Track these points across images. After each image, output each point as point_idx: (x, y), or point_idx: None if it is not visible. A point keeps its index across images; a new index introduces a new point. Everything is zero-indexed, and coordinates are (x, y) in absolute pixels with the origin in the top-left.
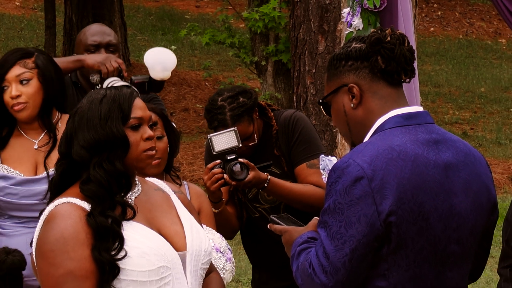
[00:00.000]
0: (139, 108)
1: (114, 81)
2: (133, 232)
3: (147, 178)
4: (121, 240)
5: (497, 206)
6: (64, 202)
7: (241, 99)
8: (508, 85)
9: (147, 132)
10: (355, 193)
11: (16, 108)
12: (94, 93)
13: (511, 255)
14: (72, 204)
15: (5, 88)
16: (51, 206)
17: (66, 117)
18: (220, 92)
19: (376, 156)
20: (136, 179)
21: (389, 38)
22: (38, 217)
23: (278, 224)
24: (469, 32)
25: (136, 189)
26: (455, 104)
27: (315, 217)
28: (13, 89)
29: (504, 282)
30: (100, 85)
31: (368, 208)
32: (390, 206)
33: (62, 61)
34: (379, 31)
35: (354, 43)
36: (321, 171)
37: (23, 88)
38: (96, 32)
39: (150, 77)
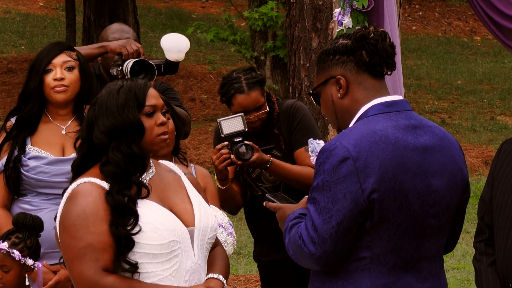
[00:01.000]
0: (152, 97)
1: (132, 60)
2: (147, 210)
3: (160, 161)
4: (136, 216)
5: (469, 185)
6: (85, 182)
7: (254, 73)
8: (482, 78)
9: (161, 118)
10: (341, 172)
11: (58, 89)
12: (112, 84)
13: (485, 230)
14: (93, 183)
15: (50, 70)
16: (73, 185)
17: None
18: (233, 70)
19: (360, 139)
20: (151, 162)
21: (372, 34)
22: (62, 195)
23: (273, 202)
24: (447, 30)
25: (151, 170)
26: (434, 95)
27: (306, 196)
28: (57, 72)
29: (479, 255)
30: (121, 67)
31: (353, 185)
32: (373, 184)
33: (87, 48)
34: (363, 29)
35: (341, 39)
36: (310, 153)
37: (67, 74)
38: (116, 30)
39: (166, 60)
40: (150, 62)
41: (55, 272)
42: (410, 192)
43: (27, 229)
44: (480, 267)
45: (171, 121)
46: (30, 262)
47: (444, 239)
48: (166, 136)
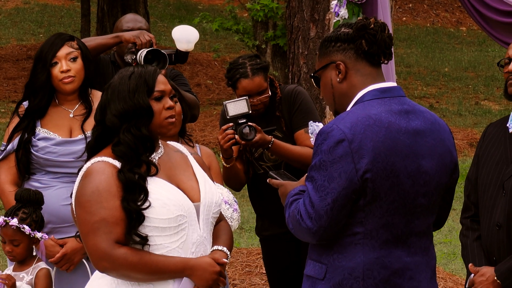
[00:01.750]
0: (161, 82)
1: (145, 50)
2: (156, 186)
3: (168, 142)
4: (146, 193)
5: (458, 167)
6: (99, 161)
7: (258, 60)
8: (467, 66)
9: (168, 102)
10: (337, 153)
11: (66, 80)
12: (124, 70)
13: (471, 207)
14: (106, 162)
15: (56, 64)
16: (88, 164)
17: (95, 92)
18: (239, 56)
19: (355, 123)
20: (160, 143)
21: (372, 25)
22: (77, 174)
23: (276, 179)
24: (435, 21)
25: (160, 151)
26: (423, 82)
27: (306, 174)
28: (63, 65)
29: (466, 230)
30: (135, 56)
31: (348, 165)
32: (367, 164)
33: (103, 38)
34: (364, 19)
35: (343, 28)
36: (310, 134)
37: (71, 64)
38: (130, 19)
39: (177, 50)
40: (162, 51)
41: (61, 246)
42: (401, 172)
43: (32, 204)
44: (466, 242)
45: (178, 104)
46: (39, 235)
47: (433, 217)
48: (174, 119)
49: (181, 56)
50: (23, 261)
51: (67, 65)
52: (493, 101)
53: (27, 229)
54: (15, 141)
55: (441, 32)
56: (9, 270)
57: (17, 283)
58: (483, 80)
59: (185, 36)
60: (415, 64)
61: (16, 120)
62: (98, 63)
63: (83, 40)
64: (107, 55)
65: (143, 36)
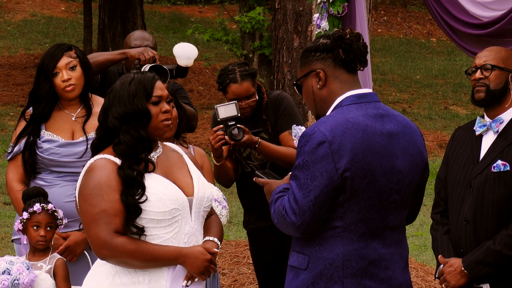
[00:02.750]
0: (159, 88)
1: (149, 65)
2: (153, 182)
3: (165, 143)
4: (143, 187)
5: (428, 166)
6: (101, 158)
7: (247, 67)
8: (437, 74)
9: (165, 106)
10: (319, 154)
11: (67, 89)
12: (125, 76)
13: (441, 204)
14: (107, 159)
15: (57, 74)
16: (91, 161)
17: (95, 97)
18: (229, 64)
19: (335, 126)
20: (159, 143)
21: (348, 36)
22: (79, 172)
23: (262, 177)
24: (408, 33)
25: (158, 150)
26: (396, 88)
27: (289, 173)
28: (64, 74)
29: (436, 224)
30: (139, 70)
31: (328, 165)
32: (346, 164)
33: (110, 54)
34: (341, 30)
35: (321, 39)
36: (293, 137)
37: (71, 73)
38: (138, 37)
39: (177, 65)
40: (164, 67)
41: (65, 239)
42: (377, 171)
43: (43, 197)
44: (436, 235)
45: (174, 109)
46: (65, 220)
47: (406, 212)
48: (169, 122)
49: (181, 71)
50: (41, 251)
51: (67, 75)
52: (461, 106)
53: (60, 212)
54: (22, 143)
55: (413, 43)
56: (22, 259)
57: (36, 272)
58: (452, 86)
59: (185, 53)
60: (389, 72)
61: (22, 124)
62: (106, 74)
63: (93, 55)
64: (116, 68)
65: (147, 53)
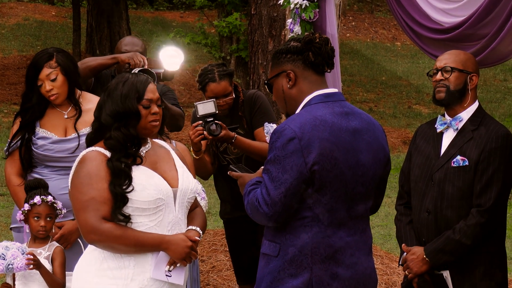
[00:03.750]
0: (150, 91)
1: (138, 69)
2: (140, 173)
3: (154, 139)
4: (130, 179)
5: (390, 160)
6: (92, 150)
7: (225, 67)
8: (401, 75)
9: (154, 109)
10: (289, 149)
11: (51, 98)
12: (120, 76)
13: (404, 196)
14: (98, 152)
15: (41, 84)
16: (83, 152)
17: (85, 94)
18: (208, 64)
19: (304, 123)
20: (148, 139)
21: (318, 40)
22: (66, 167)
23: (235, 171)
24: (374, 37)
25: (147, 145)
26: (364, 88)
27: (261, 167)
28: (46, 86)
29: (400, 215)
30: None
31: (298, 159)
32: (314, 158)
33: (102, 59)
34: (311, 34)
35: (292, 42)
36: (265, 134)
37: (53, 83)
38: (128, 43)
39: (164, 69)
40: (152, 70)
41: (60, 228)
42: (343, 165)
43: (44, 188)
44: (400, 225)
45: (160, 109)
46: (64, 210)
47: (370, 203)
48: (157, 123)
49: (168, 75)
50: (41, 239)
51: (49, 85)
52: (423, 106)
53: (59, 203)
54: (18, 139)
55: (379, 47)
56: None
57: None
58: (415, 87)
59: (171, 58)
60: (357, 74)
61: (18, 122)
62: (99, 77)
63: (86, 60)
64: (109, 71)
65: (137, 57)
